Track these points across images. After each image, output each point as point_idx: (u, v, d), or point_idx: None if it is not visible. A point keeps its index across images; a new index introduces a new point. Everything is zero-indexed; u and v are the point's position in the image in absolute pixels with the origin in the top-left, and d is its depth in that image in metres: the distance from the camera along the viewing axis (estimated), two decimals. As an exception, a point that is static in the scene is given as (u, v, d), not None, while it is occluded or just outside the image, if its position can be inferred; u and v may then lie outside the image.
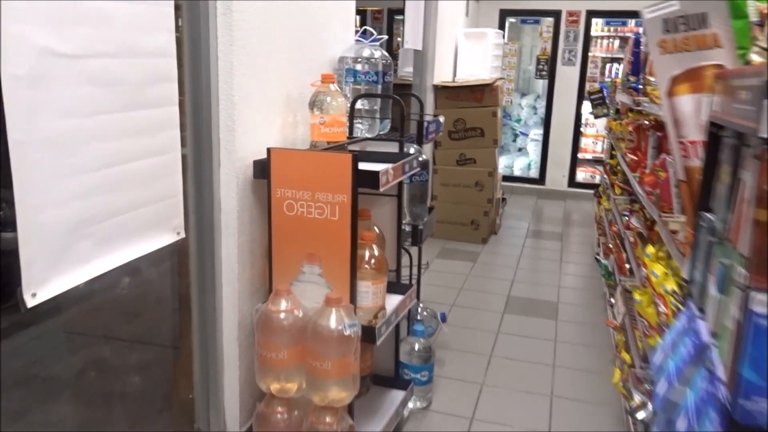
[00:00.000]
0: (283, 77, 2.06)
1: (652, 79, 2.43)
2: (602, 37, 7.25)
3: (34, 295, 1.20)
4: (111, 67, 1.34)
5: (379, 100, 2.40)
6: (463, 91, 5.09)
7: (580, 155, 7.39)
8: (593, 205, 6.08)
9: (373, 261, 1.93)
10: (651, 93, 2.30)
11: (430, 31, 4.60)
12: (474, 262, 4.75)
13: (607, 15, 7.08)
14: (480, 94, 5.06)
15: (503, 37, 6.83)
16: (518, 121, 7.78)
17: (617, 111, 4.76)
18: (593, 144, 7.48)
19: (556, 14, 7.04)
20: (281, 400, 1.83)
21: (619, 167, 3.97)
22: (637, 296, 1.77)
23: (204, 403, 2.00)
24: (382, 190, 1.83)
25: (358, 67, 2.34)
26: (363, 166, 1.81)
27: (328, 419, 1.78)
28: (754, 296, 0.77)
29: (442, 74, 5.21)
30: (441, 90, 5.09)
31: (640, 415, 1.63)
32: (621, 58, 6.96)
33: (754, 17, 1.34)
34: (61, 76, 1.21)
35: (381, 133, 2.43)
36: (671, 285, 1.54)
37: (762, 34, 1.29)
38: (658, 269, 1.66)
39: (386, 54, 2.41)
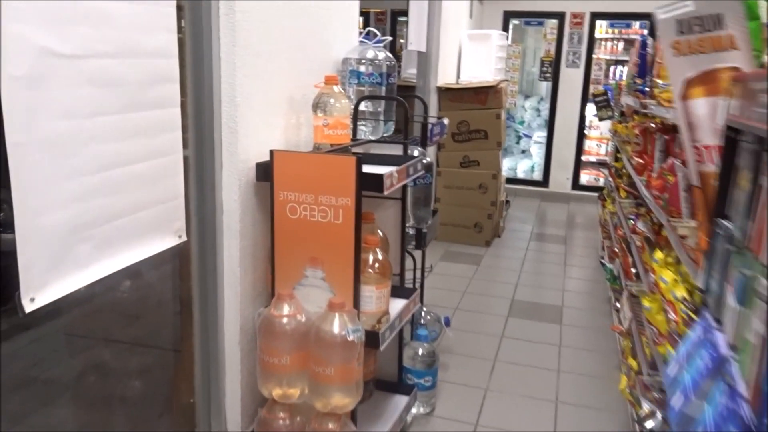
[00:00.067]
0: (286, 78, 2.04)
1: (659, 81, 2.40)
2: (606, 39, 7.22)
3: (32, 299, 1.18)
4: (111, 68, 1.32)
5: (382, 101, 2.37)
6: (467, 93, 5.07)
7: (583, 158, 7.36)
8: (597, 208, 6.05)
9: (377, 265, 1.90)
10: (658, 96, 2.27)
11: (434, 32, 4.58)
12: (477, 265, 4.72)
13: (611, 17, 7.05)
14: (484, 96, 5.04)
15: (507, 38, 6.80)
16: (522, 123, 7.76)
17: (622, 113, 4.73)
18: (597, 146, 7.44)
19: (560, 16, 7.02)
20: (283, 405, 1.80)
21: (624, 170, 3.94)
22: (646, 303, 1.74)
23: (205, 408, 1.98)
24: (386, 193, 1.81)
25: (362, 68, 2.32)
26: (367, 168, 1.78)
27: (330, 425, 1.75)
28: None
29: (445, 76, 5.19)
30: (445, 92, 5.07)
31: (649, 424, 1.60)
32: (625, 61, 6.92)
33: (765, 19, 1.31)
34: (61, 76, 1.19)
35: (385, 135, 2.41)
36: (681, 292, 1.51)
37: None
38: (668, 275, 1.63)
39: (390, 55, 2.39)
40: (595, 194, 6.62)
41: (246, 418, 1.99)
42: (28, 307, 1.16)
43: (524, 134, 7.76)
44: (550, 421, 2.62)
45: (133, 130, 1.41)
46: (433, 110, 4.86)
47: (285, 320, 1.70)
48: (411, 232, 2.68)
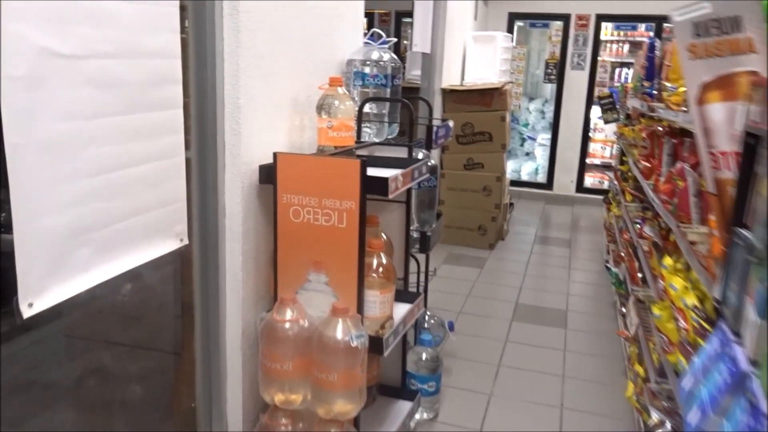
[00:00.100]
0: (290, 80, 2.01)
1: (668, 84, 2.37)
2: (612, 42, 7.19)
3: (30, 305, 1.15)
4: (112, 68, 1.30)
5: (387, 103, 2.35)
6: (471, 94, 5.04)
7: (588, 160, 7.33)
8: (602, 211, 6.02)
9: (381, 269, 1.88)
10: (667, 99, 2.24)
11: (439, 33, 4.55)
12: (481, 268, 4.69)
13: (617, 19, 7.02)
14: (489, 98, 5.01)
15: (512, 40, 6.78)
16: (526, 125, 7.72)
17: (628, 116, 4.70)
18: (602, 149, 7.41)
19: (565, 18, 6.99)
20: (285, 411, 1.78)
21: (630, 173, 3.90)
22: (656, 311, 1.71)
23: (206, 413, 1.95)
24: (391, 197, 1.78)
25: (367, 70, 2.29)
26: (372, 171, 1.76)
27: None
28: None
29: (450, 77, 5.16)
30: (449, 93, 5.04)
31: (659, 434, 1.57)
32: (631, 63, 6.89)
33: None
34: (61, 77, 1.17)
35: (389, 137, 2.38)
36: (692, 299, 1.48)
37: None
38: (677, 282, 1.60)
39: (395, 57, 2.36)
40: (600, 197, 6.59)
41: (247, 424, 1.97)
42: (26, 313, 1.13)
43: (528, 136, 7.72)
44: (555, 428, 2.59)
45: (134, 131, 1.39)
46: (437, 112, 4.84)
47: (287, 325, 1.67)
48: (415, 235, 2.65)
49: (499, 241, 5.42)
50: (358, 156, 1.99)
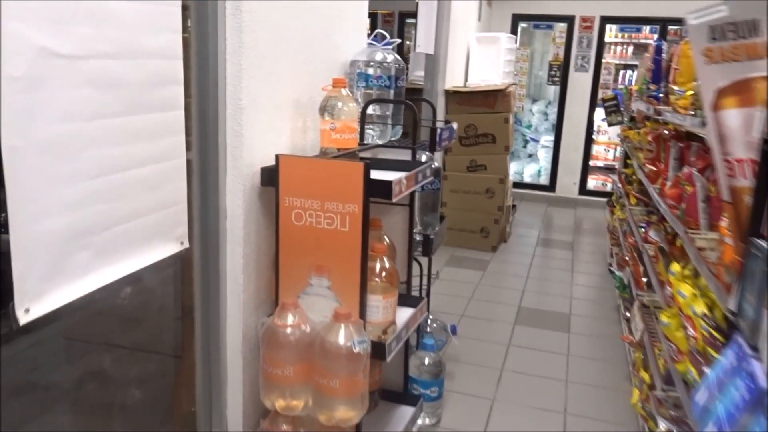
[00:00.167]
0: (293, 81, 1.99)
1: (675, 87, 2.34)
2: (616, 44, 7.16)
3: (27, 310, 1.13)
4: (112, 69, 1.27)
5: (390, 105, 2.32)
6: (475, 96, 5.02)
7: (591, 163, 7.30)
8: (605, 213, 5.99)
9: (384, 273, 1.85)
10: (674, 102, 2.22)
11: (443, 34, 4.53)
12: (484, 271, 4.66)
13: (621, 21, 6.99)
14: (493, 99, 4.99)
15: (515, 41, 6.75)
16: (529, 127, 7.70)
17: (632, 119, 4.67)
18: (605, 151, 7.38)
19: (569, 20, 6.96)
20: (286, 417, 1.75)
21: (634, 176, 3.88)
22: (664, 319, 1.68)
23: (206, 417, 1.93)
24: (394, 200, 1.76)
25: (370, 71, 2.27)
26: (375, 174, 1.73)
27: (334, 439, 1.70)
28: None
29: (453, 79, 5.14)
30: (452, 95, 5.02)
31: (666, 443, 1.54)
32: (635, 65, 6.87)
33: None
34: (60, 77, 1.15)
35: (392, 139, 2.36)
36: (701, 307, 1.45)
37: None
38: (686, 289, 1.57)
39: (399, 58, 2.34)
40: (603, 199, 6.56)
41: (248, 429, 1.94)
42: (23, 319, 1.11)
43: (531, 138, 7.70)
44: (559, 434, 2.56)
45: (134, 133, 1.36)
46: (439, 113, 4.81)
47: (289, 330, 1.65)
48: (418, 238, 2.62)
49: (502, 243, 5.40)
50: (362, 158, 1.96)
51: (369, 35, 2.46)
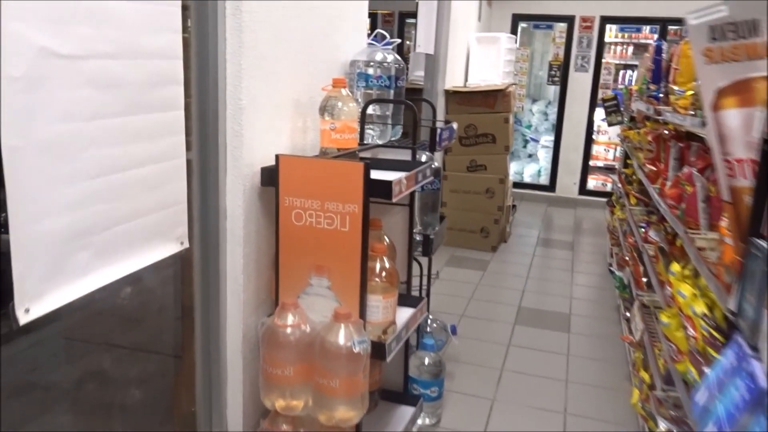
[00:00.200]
0: (293, 81, 1.99)
1: (675, 87, 2.34)
2: (616, 44, 7.16)
3: (27, 310, 1.13)
4: (112, 69, 1.27)
5: (390, 105, 2.32)
6: (475, 96, 5.02)
7: (591, 163, 7.30)
8: (605, 213, 5.99)
9: (384, 273, 1.85)
10: (674, 102, 2.21)
11: (443, 34, 4.53)
12: (484, 271, 4.66)
13: (621, 21, 6.99)
14: (493, 99, 4.99)
15: (515, 41, 6.75)
16: (529, 127, 7.70)
17: (632, 119, 4.67)
18: (605, 151, 7.38)
19: (569, 20, 6.96)
20: (286, 417, 1.75)
21: (634, 176, 3.88)
22: (664, 319, 1.68)
23: (206, 417, 1.93)
24: (395, 200, 1.76)
25: (371, 71, 2.27)
26: (375, 174, 1.73)
27: (334, 439, 1.70)
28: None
29: (453, 79, 5.13)
30: (452, 95, 5.02)
31: (666, 443, 1.54)
32: (635, 65, 6.87)
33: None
34: (60, 77, 1.15)
35: (392, 139, 2.36)
36: (701, 307, 1.45)
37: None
38: (686, 289, 1.57)
39: (399, 58, 2.34)
40: (603, 199, 6.56)
41: (248, 429, 1.94)
42: (23, 319, 1.11)
43: (531, 138, 7.70)
44: (559, 434, 2.56)
45: (134, 133, 1.36)
46: (440, 113, 4.81)
47: (289, 330, 1.65)
48: (418, 238, 2.62)
49: (502, 243, 5.40)
50: (362, 158, 1.96)
51: (369, 35, 2.46)
